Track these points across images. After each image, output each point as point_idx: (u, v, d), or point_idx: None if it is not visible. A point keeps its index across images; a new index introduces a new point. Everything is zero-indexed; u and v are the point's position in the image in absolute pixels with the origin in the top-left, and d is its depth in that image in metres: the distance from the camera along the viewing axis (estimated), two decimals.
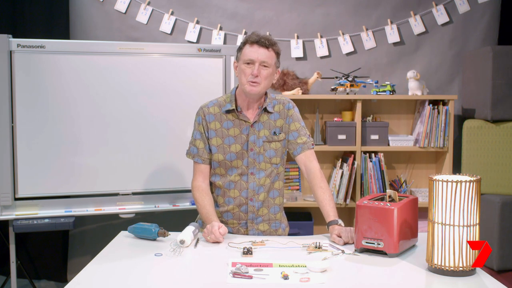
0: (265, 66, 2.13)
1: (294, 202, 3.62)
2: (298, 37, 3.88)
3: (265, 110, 2.23)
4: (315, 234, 3.00)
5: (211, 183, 2.31)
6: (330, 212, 2.15)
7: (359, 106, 3.58)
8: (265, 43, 2.12)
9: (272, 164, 2.25)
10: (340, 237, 2.03)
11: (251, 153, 2.22)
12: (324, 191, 2.20)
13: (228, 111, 2.23)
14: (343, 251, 1.94)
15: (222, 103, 2.25)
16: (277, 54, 2.19)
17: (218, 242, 2.05)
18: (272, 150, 2.24)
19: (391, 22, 3.89)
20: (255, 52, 2.12)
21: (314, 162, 2.26)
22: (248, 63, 2.14)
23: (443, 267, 1.68)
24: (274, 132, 2.24)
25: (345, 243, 2.02)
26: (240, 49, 2.19)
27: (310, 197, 3.68)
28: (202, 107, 2.27)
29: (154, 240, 2.08)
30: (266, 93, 2.25)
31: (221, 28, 3.84)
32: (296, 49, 3.88)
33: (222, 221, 2.24)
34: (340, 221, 2.12)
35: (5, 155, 3.06)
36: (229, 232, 2.19)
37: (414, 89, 3.63)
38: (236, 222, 2.28)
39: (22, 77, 3.08)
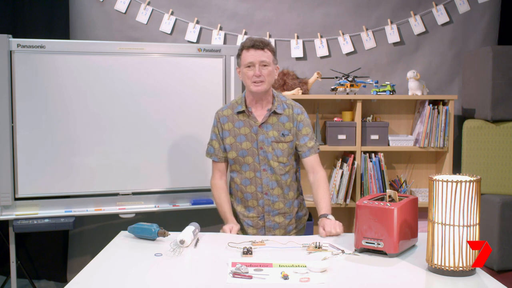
0: (264, 65, 2.36)
1: None
2: (298, 37, 3.88)
3: (274, 112, 2.42)
4: (315, 234, 2.99)
5: (231, 179, 2.54)
6: (322, 206, 2.33)
7: (359, 106, 3.58)
8: (260, 45, 2.34)
9: (280, 162, 2.43)
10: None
11: (261, 151, 2.42)
12: (324, 191, 2.40)
13: (239, 112, 2.44)
14: (343, 251, 1.94)
15: (234, 105, 2.48)
16: (273, 52, 2.40)
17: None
18: (279, 150, 2.42)
19: (391, 22, 3.88)
20: (253, 55, 2.34)
21: (320, 166, 2.47)
22: (249, 66, 2.36)
23: (443, 267, 1.68)
24: (283, 134, 2.42)
25: (328, 235, 2.13)
26: (238, 55, 2.41)
27: (310, 197, 3.67)
28: (218, 112, 2.52)
29: (154, 240, 2.08)
30: (273, 96, 2.44)
31: (221, 28, 3.84)
32: (296, 49, 3.88)
33: (244, 216, 2.49)
34: (330, 216, 2.25)
35: (5, 155, 3.06)
36: (249, 225, 2.47)
37: (414, 89, 3.63)
38: (255, 215, 2.48)
39: (22, 77, 3.08)
